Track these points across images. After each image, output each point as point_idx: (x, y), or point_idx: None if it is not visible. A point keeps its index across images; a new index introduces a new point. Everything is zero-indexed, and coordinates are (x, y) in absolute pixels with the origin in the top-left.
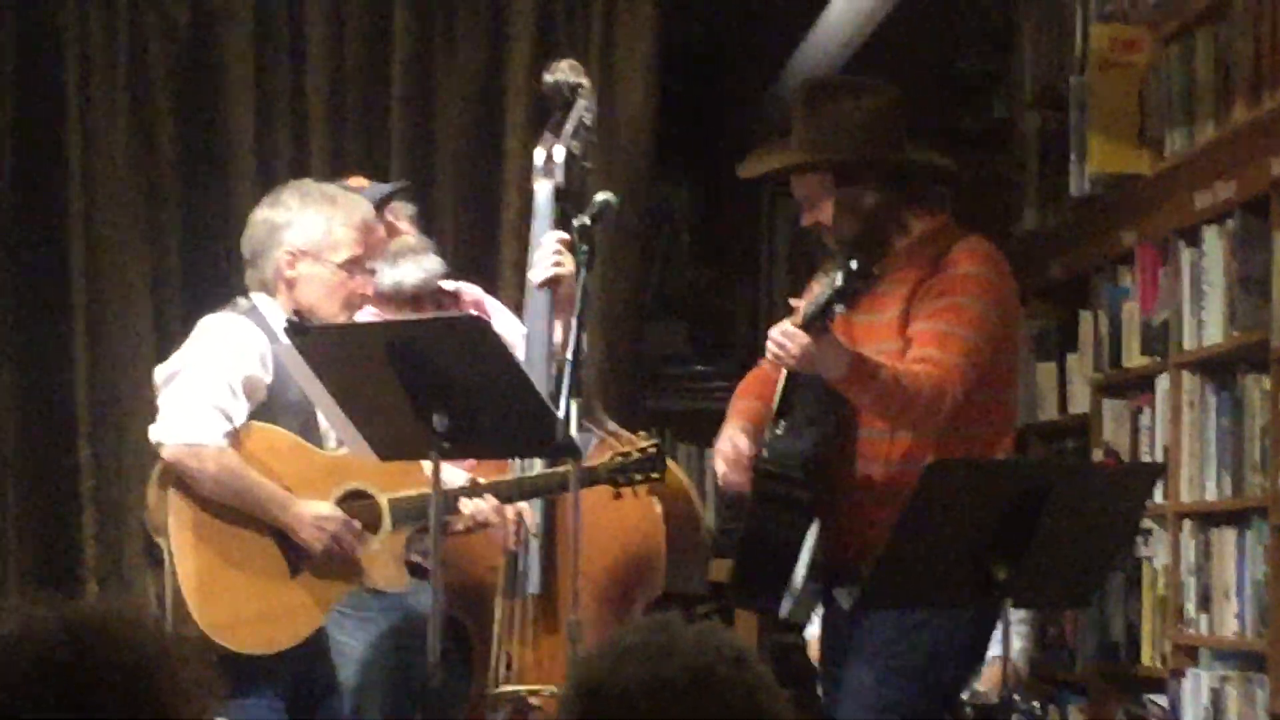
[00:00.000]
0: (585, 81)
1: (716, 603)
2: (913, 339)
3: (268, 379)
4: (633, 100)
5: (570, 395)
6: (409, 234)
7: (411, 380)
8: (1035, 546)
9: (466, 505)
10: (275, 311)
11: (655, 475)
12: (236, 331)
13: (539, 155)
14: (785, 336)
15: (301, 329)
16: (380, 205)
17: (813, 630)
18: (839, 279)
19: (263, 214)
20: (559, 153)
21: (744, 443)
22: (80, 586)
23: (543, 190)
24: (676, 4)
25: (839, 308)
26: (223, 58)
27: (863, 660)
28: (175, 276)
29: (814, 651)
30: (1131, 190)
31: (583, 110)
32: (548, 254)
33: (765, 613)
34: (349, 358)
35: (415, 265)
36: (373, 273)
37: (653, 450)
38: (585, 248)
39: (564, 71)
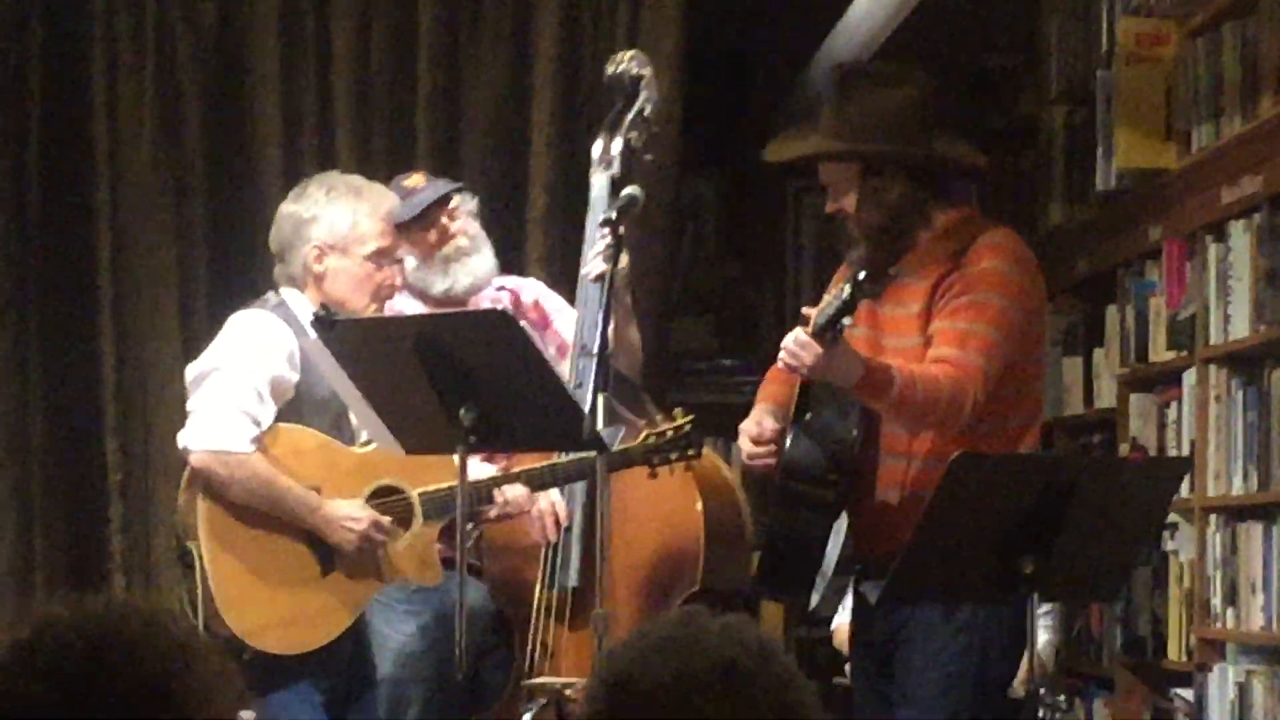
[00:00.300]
0: (647, 73)
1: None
2: (933, 337)
3: (296, 377)
4: (658, 94)
5: (597, 389)
6: (462, 234)
7: (438, 374)
8: (1062, 541)
9: (499, 494)
10: (304, 306)
11: (691, 453)
12: (265, 330)
13: (597, 147)
14: (798, 346)
15: (328, 323)
16: (438, 204)
17: (838, 619)
18: (846, 291)
19: (289, 209)
20: (617, 145)
21: (770, 422)
22: (107, 580)
23: (599, 182)
24: (702, 2)
25: (847, 320)
26: (249, 55)
27: (917, 672)
28: (201, 272)
29: (839, 639)
30: (1158, 185)
31: (644, 102)
32: (599, 243)
33: (794, 603)
34: (375, 351)
35: (464, 270)
36: (400, 262)
37: (687, 428)
38: (611, 242)
39: (626, 62)
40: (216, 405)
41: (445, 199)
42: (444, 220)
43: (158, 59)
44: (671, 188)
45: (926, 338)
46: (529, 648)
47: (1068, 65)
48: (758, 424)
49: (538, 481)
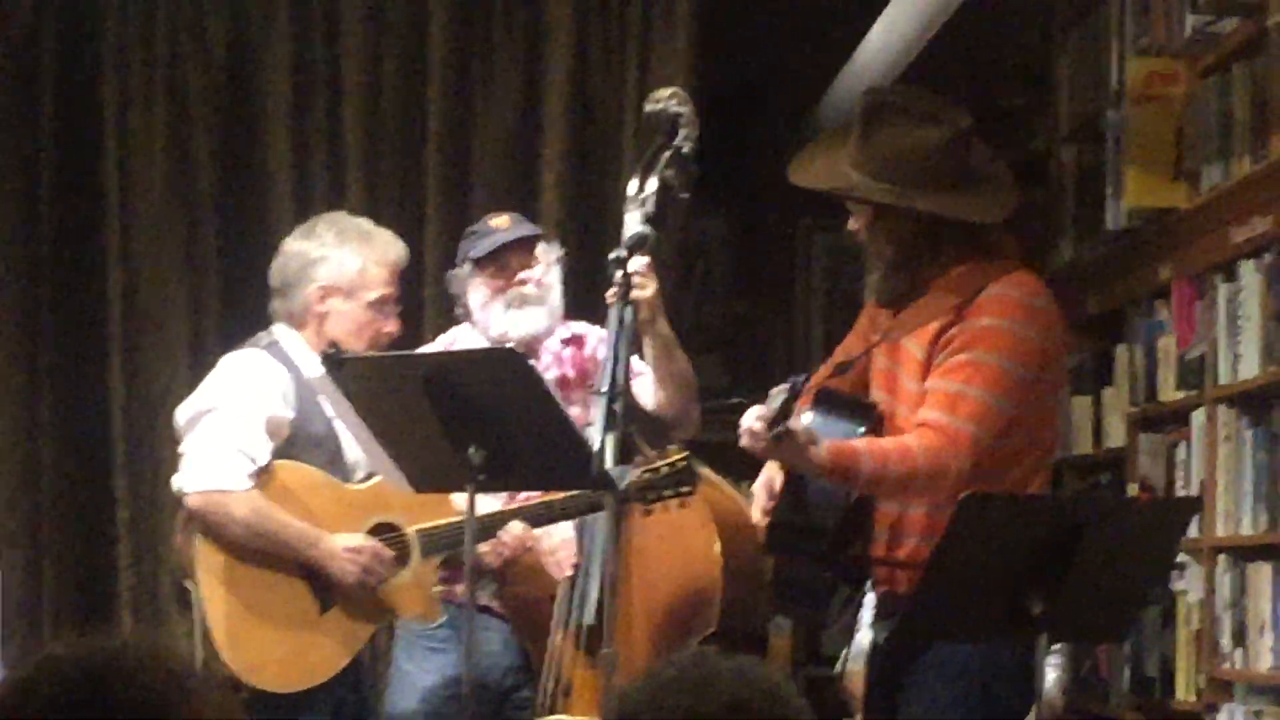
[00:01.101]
0: (687, 110)
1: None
2: (926, 392)
3: (291, 415)
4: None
5: (607, 428)
6: (531, 283)
7: (447, 412)
8: (1071, 581)
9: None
10: (297, 345)
11: (685, 490)
12: (257, 370)
13: (633, 185)
14: (750, 435)
15: (337, 360)
16: (514, 247)
17: (854, 665)
18: (775, 400)
19: (297, 246)
20: (652, 184)
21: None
22: (115, 617)
23: (632, 221)
24: (713, 38)
25: (787, 423)
26: (260, 89)
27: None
28: (212, 307)
29: (850, 683)
30: (1168, 224)
31: (682, 140)
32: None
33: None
34: (385, 390)
35: (522, 318)
36: (398, 311)
37: (682, 464)
38: (621, 280)
39: (665, 100)
40: (211, 446)
41: (526, 243)
42: (515, 264)
43: (169, 91)
44: (681, 224)
45: (923, 390)
46: (548, 685)
47: (1078, 104)
48: (766, 491)
49: (535, 519)
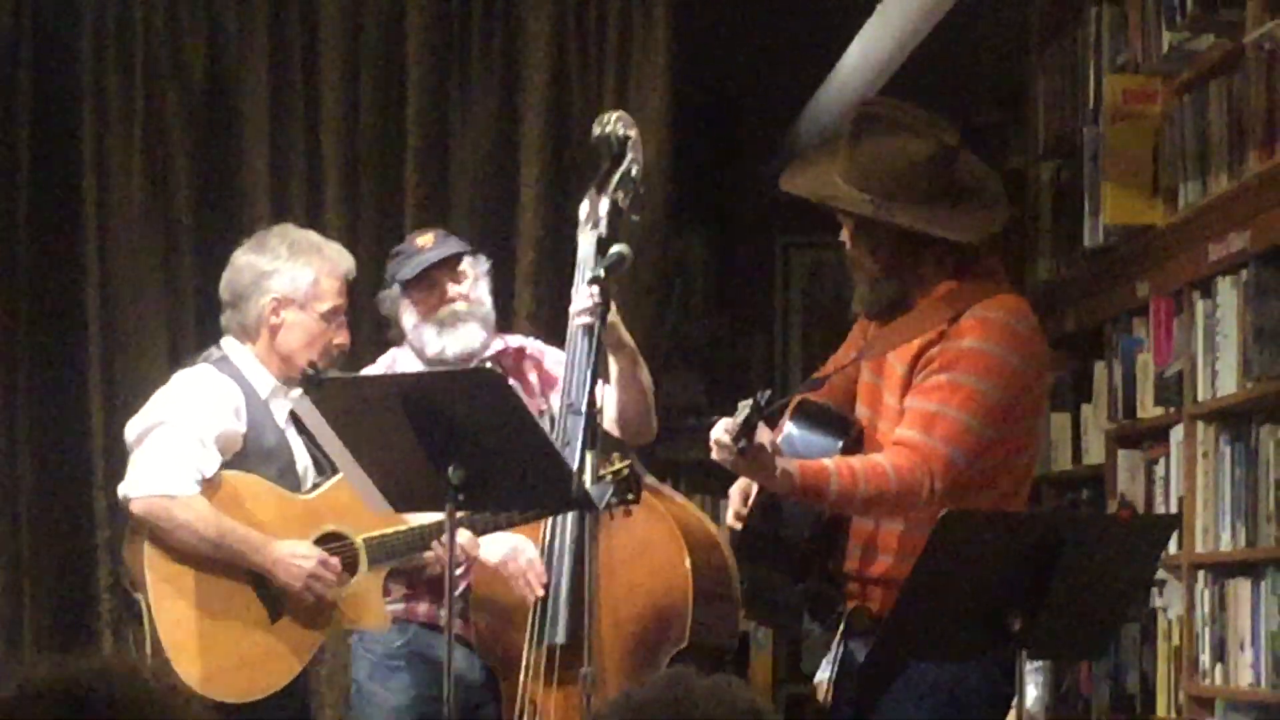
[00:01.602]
0: (634, 133)
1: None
2: (905, 411)
3: (242, 429)
4: (646, 152)
5: (585, 447)
6: (461, 299)
7: (426, 432)
8: (1050, 598)
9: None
10: (247, 359)
11: (631, 498)
12: (208, 385)
13: (584, 207)
14: (717, 447)
15: (316, 380)
16: (442, 265)
17: (820, 675)
18: (740, 413)
19: (248, 259)
20: (604, 205)
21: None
22: (96, 637)
23: (586, 242)
24: (690, 56)
25: (760, 436)
26: (238, 106)
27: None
28: (190, 324)
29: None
30: (1145, 241)
31: (630, 163)
32: (585, 299)
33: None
34: (364, 409)
35: (455, 336)
36: (342, 326)
37: (625, 472)
38: (599, 300)
39: (613, 123)
40: (157, 455)
41: (452, 260)
42: (446, 283)
43: (146, 112)
44: (660, 242)
45: (903, 407)
46: (516, 706)
47: (1055, 121)
48: (740, 497)
49: (481, 526)
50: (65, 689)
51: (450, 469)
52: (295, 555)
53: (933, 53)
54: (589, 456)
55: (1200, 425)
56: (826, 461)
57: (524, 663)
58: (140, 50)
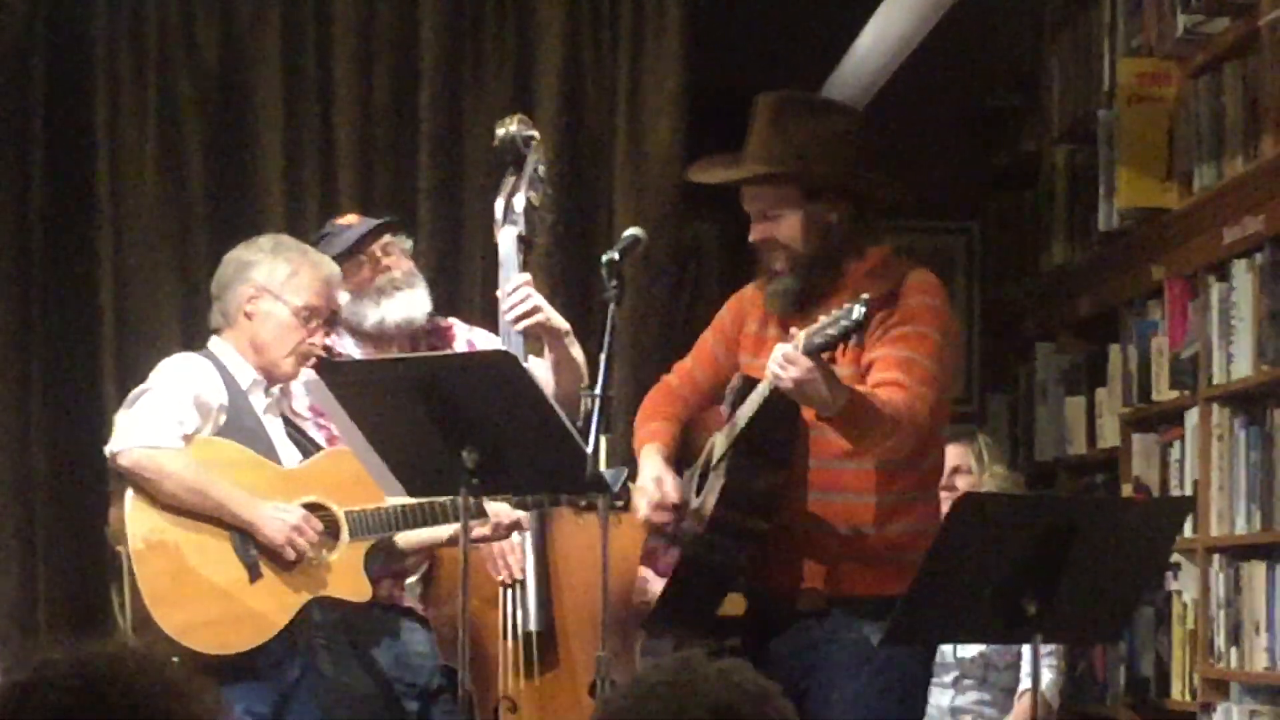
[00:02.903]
0: (535, 134)
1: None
2: (874, 363)
3: (224, 400)
4: (661, 137)
5: (599, 430)
6: (396, 268)
7: (441, 416)
8: (1065, 581)
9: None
10: (228, 352)
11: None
12: (189, 362)
13: (499, 205)
14: (789, 360)
15: (331, 363)
16: (368, 239)
17: None
18: (856, 312)
19: (236, 254)
20: (519, 201)
21: (670, 490)
22: (110, 622)
23: (506, 237)
24: (704, 40)
25: (854, 340)
26: (252, 96)
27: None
28: (204, 312)
29: None
30: (1160, 224)
31: (535, 163)
32: (515, 296)
33: (686, 637)
34: (378, 393)
35: (396, 304)
36: (329, 330)
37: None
38: (614, 283)
39: (514, 125)
40: (142, 413)
41: (377, 234)
42: (377, 254)
43: (160, 100)
44: (674, 227)
45: (859, 367)
46: (493, 702)
47: (1069, 105)
48: (658, 487)
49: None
50: (81, 674)
51: (464, 452)
52: (278, 510)
53: (947, 37)
54: (603, 440)
55: (1215, 408)
56: (859, 387)
57: (500, 659)
58: (153, 38)
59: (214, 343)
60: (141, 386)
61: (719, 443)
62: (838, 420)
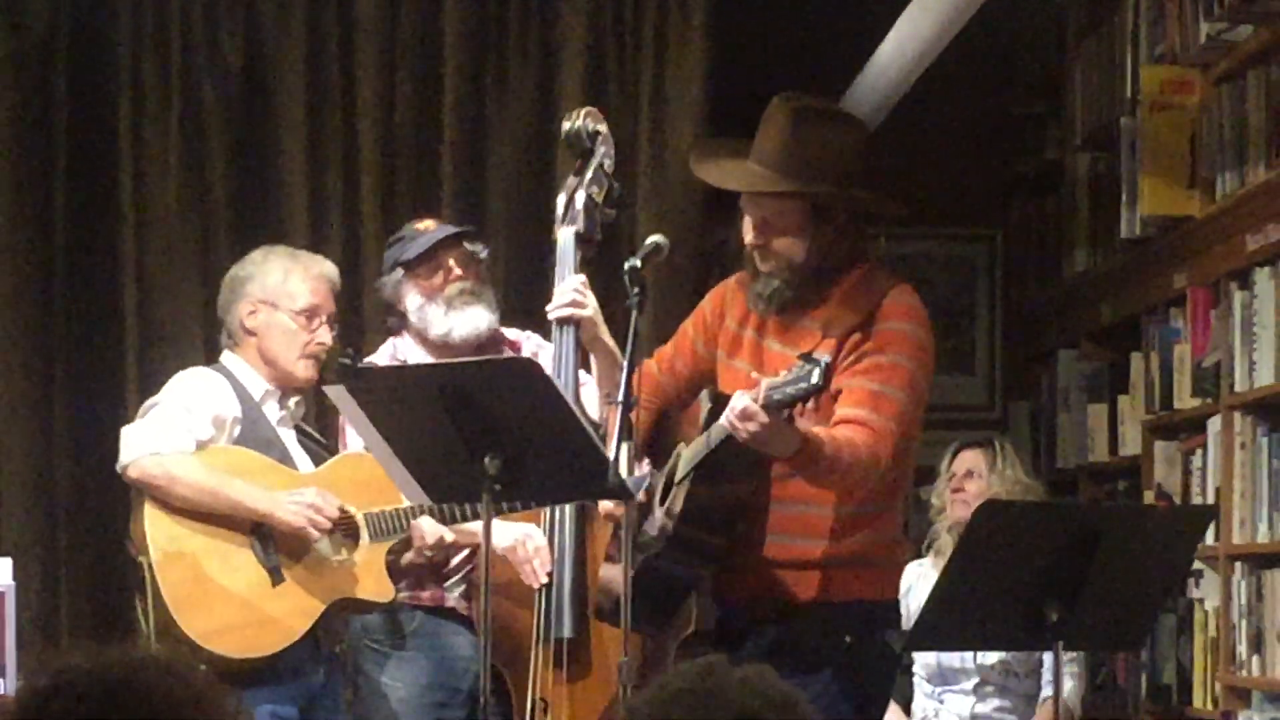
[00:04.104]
0: (604, 128)
1: None
2: (843, 391)
3: (236, 412)
4: (683, 144)
5: (621, 437)
6: (466, 281)
7: (464, 422)
8: (1087, 589)
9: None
10: (239, 365)
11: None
12: (200, 376)
13: (560, 201)
14: (746, 416)
15: (353, 370)
16: (442, 247)
17: None
18: (816, 377)
19: (230, 274)
20: (580, 198)
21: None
22: (132, 629)
23: (564, 236)
24: (727, 47)
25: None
26: (275, 101)
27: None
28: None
29: None
30: (1182, 232)
31: (602, 156)
32: (565, 294)
33: (643, 633)
34: (401, 400)
35: (463, 318)
36: (334, 326)
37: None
38: (637, 289)
39: (582, 119)
40: (148, 424)
41: (452, 242)
42: (450, 262)
43: (183, 105)
44: (697, 232)
45: (832, 392)
46: (528, 703)
47: (1093, 112)
48: None
49: (448, 513)
50: (101, 680)
51: (487, 459)
52: (292, 495)
53: (970, 44)
54: (624, 447)
55: (1237, 416)
56: (817, 430)
57: (532, 662)
58: (177, 43)
59: (225, 357)
60: (151, 400)
61: (685, 457)
62: (794, 462)
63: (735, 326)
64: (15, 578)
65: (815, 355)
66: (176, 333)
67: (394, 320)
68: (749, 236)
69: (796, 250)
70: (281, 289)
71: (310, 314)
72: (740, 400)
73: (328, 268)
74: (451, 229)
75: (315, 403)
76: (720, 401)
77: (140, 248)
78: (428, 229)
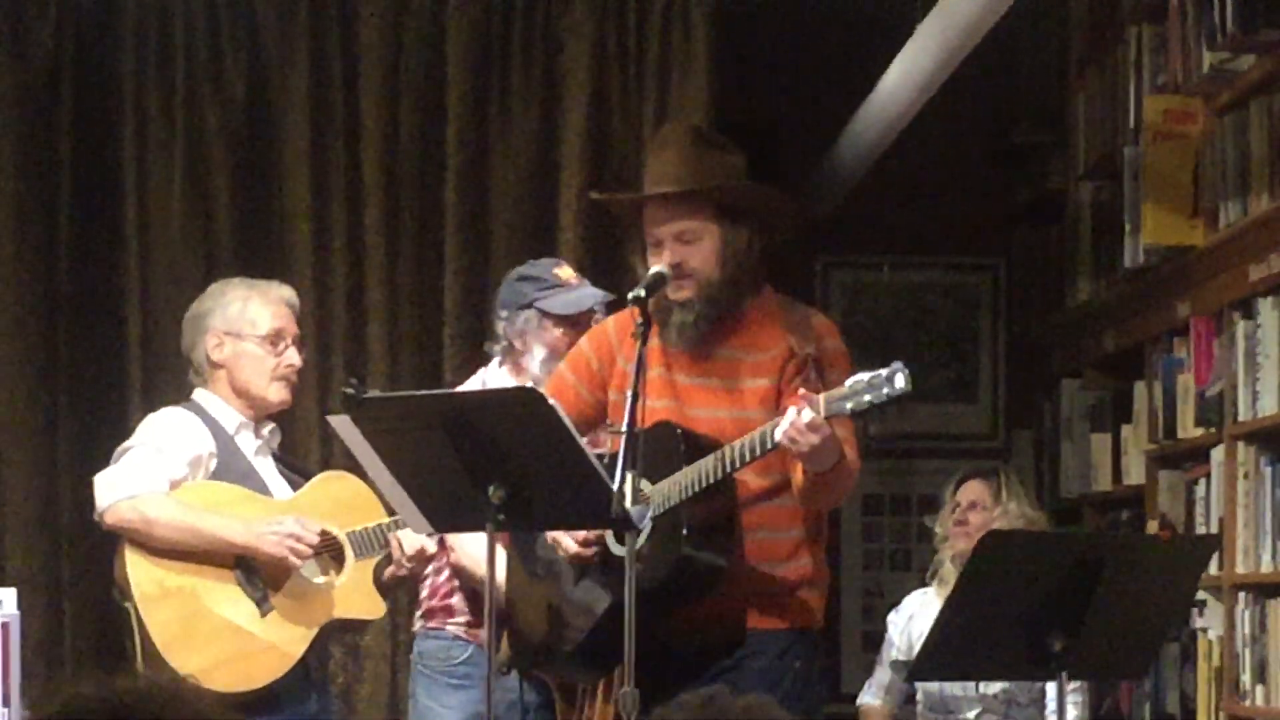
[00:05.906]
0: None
1: None
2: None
3: (211, 448)
4: None
5: (626, 467)
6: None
7: (467, 451)
8: (1091, 618)
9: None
10: (211, 400)
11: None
12: (171, 416)
13: None
14: (810, 428)
15: (357, 399)
16: (590, 312)
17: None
18: (900, 381)
19: (190, 311)
20: None
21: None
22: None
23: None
24: (730, 77)
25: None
26: (279, 130)
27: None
28: None
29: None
30: (1185, 261)
31: None
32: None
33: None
34: (404, 428)
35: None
36: (302, 348)
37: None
38: (640, 320)
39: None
40: (120, 469)
41: (600, 309)
42: (586, 326)
43: (187, 134)
44: None
45: (781, 410)
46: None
47: (1095, 141)
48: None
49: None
50: (108, 708)
51: (491, 488)
52: (269, 525)
53: (973, 73)
54: (629, 476)
55: (1241, 446)
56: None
57: (580, 687)
58: (181, 73)
59: (197, 393)
60: (123, 445)
61: (655, 495)
62: (826, 476)
63: (661, 372)
64: (19, 607)
65: (893, 364)
66: (181, 362)
67: (499, 348)
68: (665, 259)
69: (712, 264)
70: (242, 318)
71: (274, 338)
72: (804, 414)
73: (285, 292)
74: (604, 295)
75: (284, 425)
76: (692, 439)
77: (144, 277)
78: (571, 282)
